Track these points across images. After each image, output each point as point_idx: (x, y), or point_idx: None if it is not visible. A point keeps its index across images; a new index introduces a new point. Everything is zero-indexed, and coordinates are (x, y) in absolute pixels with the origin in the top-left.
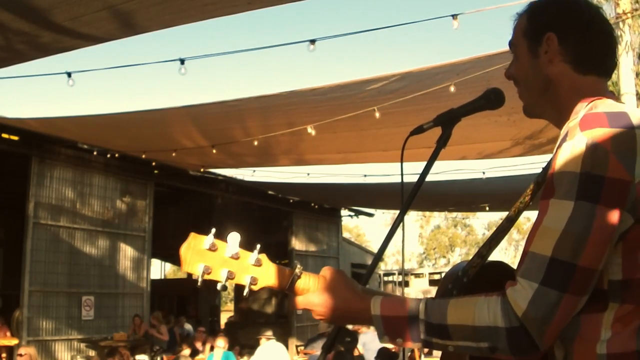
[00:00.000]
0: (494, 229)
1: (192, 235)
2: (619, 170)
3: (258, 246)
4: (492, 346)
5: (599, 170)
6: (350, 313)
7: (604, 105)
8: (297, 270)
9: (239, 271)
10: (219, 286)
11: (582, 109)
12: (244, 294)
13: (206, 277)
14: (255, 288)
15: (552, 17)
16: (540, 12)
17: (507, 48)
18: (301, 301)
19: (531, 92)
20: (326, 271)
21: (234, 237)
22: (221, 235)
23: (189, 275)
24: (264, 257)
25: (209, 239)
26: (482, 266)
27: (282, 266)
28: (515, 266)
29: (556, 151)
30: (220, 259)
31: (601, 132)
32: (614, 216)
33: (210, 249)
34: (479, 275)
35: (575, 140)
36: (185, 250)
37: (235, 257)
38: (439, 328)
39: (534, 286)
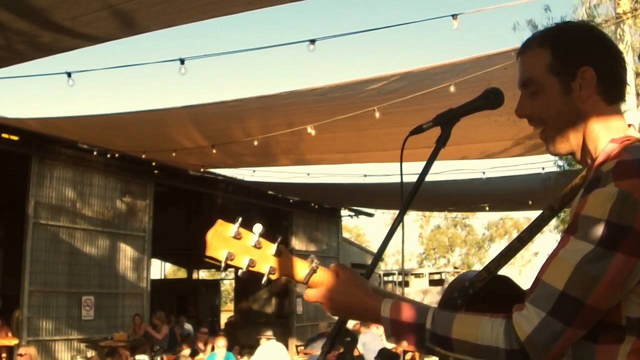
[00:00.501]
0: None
1: (219, 222)
2: None
3: (279, 238)
4: None
5: (626, 221)
6: (360, 311)
7: (636, 151)
8: (314, 264)
9: (260, 260)
10: (239, 272)
11: (613, 151)
12: (262, 282)
13: (229, 262)
14: (273, 277)
15: (582, 49)
16: (567, 45)
17: (507, 48)
18: (313, 294)
19: (563, 130)
20: (338, 267)
21: (258, 228)
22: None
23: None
24: (284, 249)
25: (235, 227)
26: (491, 283)
27: (301, 259)
28: (518, 277)
29: (586, 193)
30: (244, 247)
31: (634, 183)
32: (630, 265)
33: (235, 237)
34: (484, 288)
35: (606, 189)
36: (211, 235)
37: (258, 247)
38: (443, 340)
39: (542, 315)
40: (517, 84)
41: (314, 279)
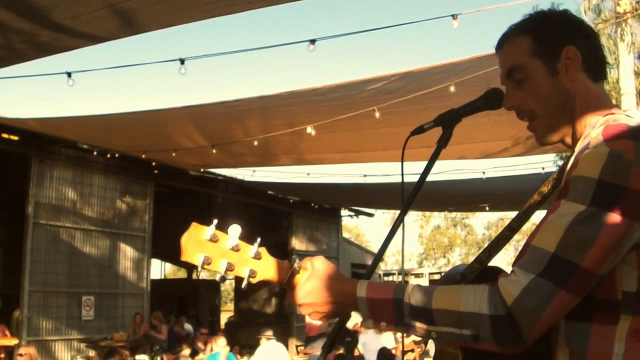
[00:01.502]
0: (496, 233)
1: (194, 225)
2: None
3: (258, 239)
4: (475, 334)
5: (620, 180)
6: (336, 298)
7: (623, 118)
8: (295, 265)
9: (239, 263)
10: (217, 277)
11: (598, 122)
12: (242, 286)
13: (206, 267)
14: (253, 281)
15: (561, 31)
16: (546, 28)
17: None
18: (292, 297)
19: (553, 114)
20: (307, 262)
21: (235, 229)
22: (222, 229)
23: (189, 275)
24: (263, 251)
25: (210, 229)
26: (482, 272)
27: (281, 260)
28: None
29: (576, 158)
30: (221, 250)
31: (625, 144)
32: (626, 226)
33: (211, 240)
34: (476, 279)
35: (597, 149)
36: (186, 239)
37: (236, 249)
38: (423, 312)
39: (530, 276)
40: (500, 80)
41: (297, 280)
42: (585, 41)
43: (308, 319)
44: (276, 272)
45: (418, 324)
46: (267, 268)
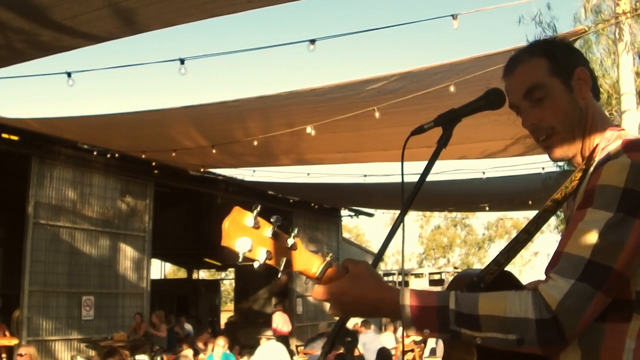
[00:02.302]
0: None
1: (237, 209)
2: None
3: (295, 230)
4: (520, 338)
5: None
6: (375, 302)
7: (635, 135)
8: (328, 258)
9: (277, 253)
10: (256, 265)
11: (613, 135)
12: (278, 275)
13: (246, 254)
14: (286, 271)
15: (570, 54)
16: (557, 51)
17: (507, 48)
18: (322, 292)
19: (571, 130)
20: (349, 262)
21: (277, 219)
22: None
23: (189, 275)
24: (299, 242)
25: (254, 215)
26: (498, 278)
27: (313, 253)
28: (518, 277)
29: (598, 169)
30: (261, 237)
31: None
32: None
33: (253, 226)
34: (494, 282)
35: (620, 160)
36: (228, 223)
37: (275, 238)
38: (470, 318)
39: (570, 281)
40: (509, 102)
41: (328, 275)
42: (588, 65)
43: (275, 325)
44: (310, 264)
45: (464, 330)
46: (302, 260)
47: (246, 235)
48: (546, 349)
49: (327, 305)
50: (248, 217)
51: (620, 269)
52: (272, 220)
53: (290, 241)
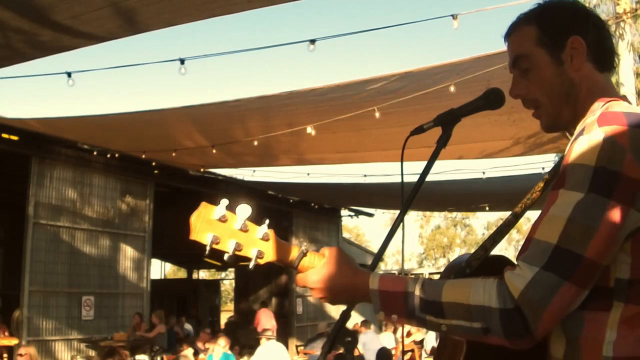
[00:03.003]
0: (499, 224)
1: (203, 204)
2: (634, 169)
3: (267, 221)
4: (485, 327)
5: (615, 166)
6: (348, 287)
7: (621, 106)
8: (303, 248)
9: (247, 244)
10: (225, 257)
11: (598, 108)
12: (250, 266)
13: (214, 246)
14: (261, 262)
15: (568, 21)
16: (552, 18)
17: (507, 48)
18: (301, 278)
19: (557, 103)
20: (326, 249)
21: (244, 210)
22: (231, 209)
23: (189, 275)
24: (271, 233)
25: (220, 209)
26: (485, 259)
27: (289, 243)
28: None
29: (571, 144)
30: (230, 230)
31: (619, 130)
32: (624, 213)
33: (220, 220)
34: (481, 268)
35: (592, 135)
36: (195, 218)
37: (244, 230)
38: (434, 305)
39: (535, 269)
40: (509, 68)
41: (304, 263)
42: (593, 31)
43: (257, 322)
44: (284, 254)
45: (429, 317)
46: (274, 249)
47: (214, 229)
48: (512, 341)
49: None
50: (215, 211)
51: (592, 257)
52: (238, 212)
53: (260, 232)
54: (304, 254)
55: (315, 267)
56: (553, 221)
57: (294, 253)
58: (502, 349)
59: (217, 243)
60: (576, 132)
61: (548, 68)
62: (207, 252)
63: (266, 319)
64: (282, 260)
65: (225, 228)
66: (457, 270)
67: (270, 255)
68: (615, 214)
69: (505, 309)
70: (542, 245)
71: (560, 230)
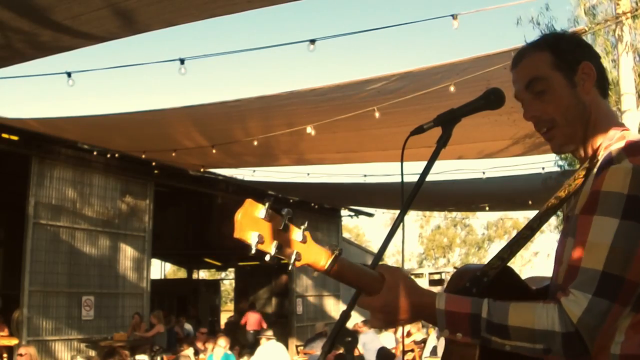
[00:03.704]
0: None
1: (249, 201)
2: None
3: (306, 223)
4: (547, 348)
5: None
6: (414, 308)
7: (636, 135)
8: (336, 252)
9: (287, 245)
10: (267, 257)
11: (615, 135)
12: (289, 268)
13: (258, 246)
14: (298, 264)
15: (577, 48)
16: (563, 45)
17: (507, 48)
18: (366, 302)
19: (573, 124)
20: (384, 269)
21: (287, 212)
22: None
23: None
24: (308, 235)
25: (266, 207)
26: (501, 274)
27: (323, 247)
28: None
29: (601, 172)
30: (273, 230)
31: None
32: None
33: (265, 219)
34: (497, 277)
35: (623, 165)
36: (241, 216)
37: (286, 231)
38: (500, 328)
39: (588, 297)
40: (514, 93)
41: (336, 269)
42: (595, 59)
43: (244, 320)
44: (319, 258)
45: (494, 338)
46: (311, 253)
47: (259, 227)
48: (571, 359)
49: (371, 318)
50: (260, 210)
51: (632, 278)
52: (283, 213)
53: (300, 234)
54: (337, 259)
55: (379, 294)
56: (595, 248)
57: (326, 257)
58: (517, 355)
59: (262, 243)
60: (602, 157)
61: (564, 90)
62: (252, 252)
63: (254, 320)
64: (316, 264)
65: (270, 228)
66: (471, 278)
67: (306, 258)
68: None
69: (568, 333)
70: (590, 273)
71: (604, 257)
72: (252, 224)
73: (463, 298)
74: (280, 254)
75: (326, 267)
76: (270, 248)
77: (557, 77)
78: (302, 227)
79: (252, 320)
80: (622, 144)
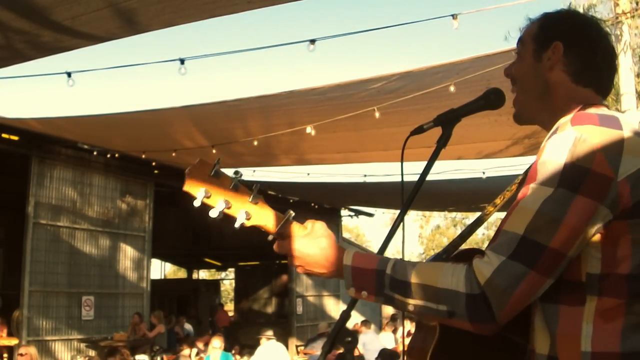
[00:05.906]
0: (477, 217)
1: (200, 160)
2: (604, 166)
3: (257, 185)
4: (450, 310)
5: (585, 162)
6: (324, 260)
7: (596, 109)
8: (287, 215)
9: (236, 204)
10: (211, 212)
11: (574, 111)
12: (236, 225)
13: (204, 200)
14: (247, 224)
15: (563, 28)
16: (553, 21)
17: (506, 47)
18: (280, 244)
19: (527, 94)
20: (309, 222)
21: (237, 173)
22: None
23: (189, 275)
24: (261, 199)
25: (216, 167)
26: (464, 250)
27: (276, 211)
28: None
29: (544, 143)
30: (222, 188)
31: (591, 129)
32: (592, 208)
33: (214, 176)
34: (458, 257)
35: (564, 133)
36: (190, 171)
37: (236, 191)
38: (403, 285)
39: (501, 258)
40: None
41: (287, 231)
42: (589, 47)
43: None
44: (270, 219)
45: (397, 296)
46: (262, 214)
47: (207, 184)
48: (476, 325)
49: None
50: (210, 169)
51: (556, 247)
52: (233, 174)
53: (251, 195)
54: (288, 222)
55: (296, 237)
56: (521, 213)
57: (278, 220)
58: (472, 336)
59: (208, 197)
60: (551, 131)
61: (529, 60)
62: (197, 204)
63: (224, 317)
64: (267, 226)
65: (219, 185)
66: (434, 256)
67: (256, 219)
68: (582, 208)
69: (472, 294)
70: (510, 236)
71: (527, 221)
72: (201, 180)
73: (372, 255)
74: (227, 211)
75: (277, 229)
76: (217, 203)
77: (530, 46)
78: (255, 189)
79: (222, 317)
80: (571, 116)
